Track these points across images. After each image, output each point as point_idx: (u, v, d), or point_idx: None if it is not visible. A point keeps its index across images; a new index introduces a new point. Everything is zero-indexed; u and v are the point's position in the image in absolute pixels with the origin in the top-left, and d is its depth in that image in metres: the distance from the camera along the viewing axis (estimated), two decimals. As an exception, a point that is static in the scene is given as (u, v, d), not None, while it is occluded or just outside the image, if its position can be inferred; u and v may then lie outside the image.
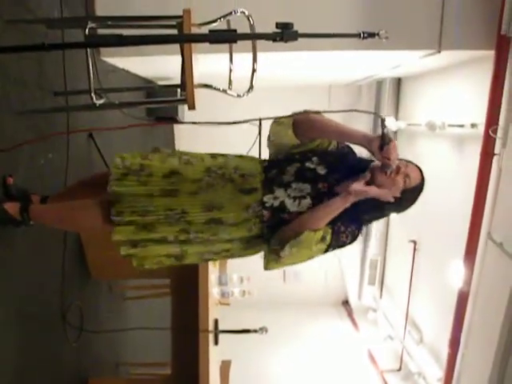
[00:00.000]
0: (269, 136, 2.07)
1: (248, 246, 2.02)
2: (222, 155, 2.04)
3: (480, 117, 4.00)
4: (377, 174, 1.87)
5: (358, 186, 1.82)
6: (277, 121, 2.03)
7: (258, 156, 2.13)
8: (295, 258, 1.93)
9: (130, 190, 1.93)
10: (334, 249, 1.96)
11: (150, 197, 1.92)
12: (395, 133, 6.26)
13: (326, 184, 1.92)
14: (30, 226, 2.19)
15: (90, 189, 2.27)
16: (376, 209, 1.99)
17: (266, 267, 2.00)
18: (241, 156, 2.07)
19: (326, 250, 1.95)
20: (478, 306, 3.99)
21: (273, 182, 1.93)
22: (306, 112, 2.00)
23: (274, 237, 1.94)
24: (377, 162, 1.88)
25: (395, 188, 1.85)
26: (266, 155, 2.12)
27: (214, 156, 2.03)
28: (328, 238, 1.90)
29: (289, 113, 2.03)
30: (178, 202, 1.91)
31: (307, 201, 1.90)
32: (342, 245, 1.97)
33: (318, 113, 1.99)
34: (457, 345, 4.51)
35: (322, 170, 1.93)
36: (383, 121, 1.75)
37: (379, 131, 1.77)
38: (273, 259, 1.96)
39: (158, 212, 1.90)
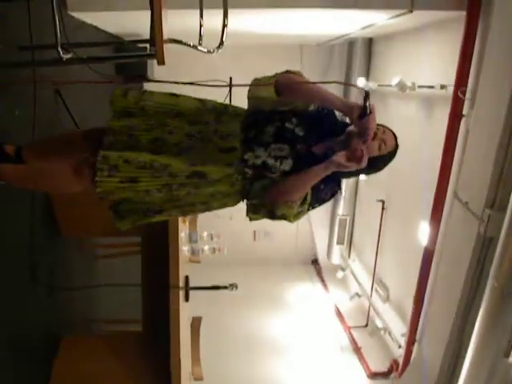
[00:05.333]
0: (249, 90, 2.05)
1: (228, 201, 2.04)
2: (201, 121, 1.99)
3: (450, 78, 4.04)
4: (353, 139, 1.86)
5: (340, 158, 1.81)
6: (258, 80, 2.01)
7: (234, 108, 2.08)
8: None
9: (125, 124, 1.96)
10: (314, 207, 2.03)
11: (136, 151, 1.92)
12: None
13: (304, 145, 1.92)
14: None
15: (66, 147, 2.24)
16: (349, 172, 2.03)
17: (251, 218, 2.07)
18: (221, 111, 2.02)
19: (308, 209, 2.01)
20: (442, 264, 4.09)
21: (253, 141, 1.92)
22: (288, 72, 1.98)
23: (254, 190, 1.97)
24: (353, 127, 1.89)
25: (365, 159, 1.83)
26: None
27: (193, 123, 1.98)
28: (306, 205, 1.97)
29: (260, 72, 2.01)
30: (162, 158, 1.90)
31: (289, 161, 1.91)
32: (322, 201, 2.04)
33: (298, 74, 1.97)
34: (421, 302, 4.66)
35: (300, 132, 1.93)
36: (367, 93, 1.78)
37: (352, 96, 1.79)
38: (255, 211, 2.02)
39: (144, 159, 1.88)
